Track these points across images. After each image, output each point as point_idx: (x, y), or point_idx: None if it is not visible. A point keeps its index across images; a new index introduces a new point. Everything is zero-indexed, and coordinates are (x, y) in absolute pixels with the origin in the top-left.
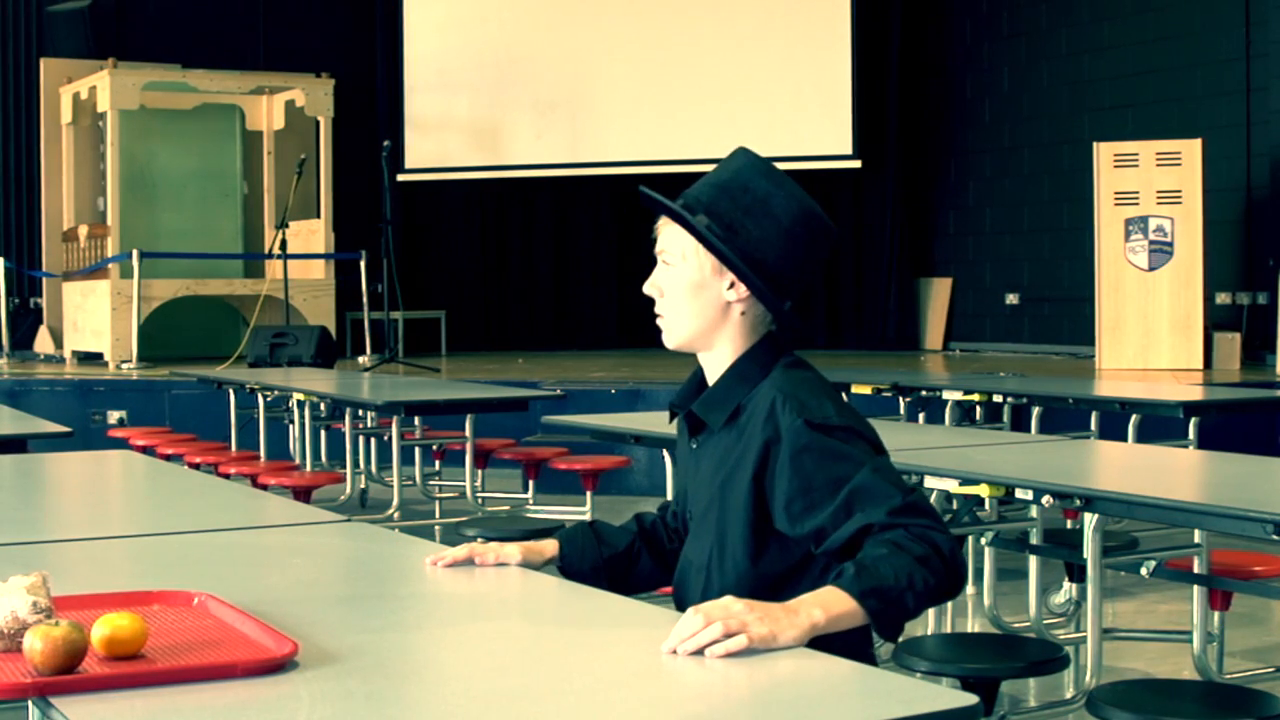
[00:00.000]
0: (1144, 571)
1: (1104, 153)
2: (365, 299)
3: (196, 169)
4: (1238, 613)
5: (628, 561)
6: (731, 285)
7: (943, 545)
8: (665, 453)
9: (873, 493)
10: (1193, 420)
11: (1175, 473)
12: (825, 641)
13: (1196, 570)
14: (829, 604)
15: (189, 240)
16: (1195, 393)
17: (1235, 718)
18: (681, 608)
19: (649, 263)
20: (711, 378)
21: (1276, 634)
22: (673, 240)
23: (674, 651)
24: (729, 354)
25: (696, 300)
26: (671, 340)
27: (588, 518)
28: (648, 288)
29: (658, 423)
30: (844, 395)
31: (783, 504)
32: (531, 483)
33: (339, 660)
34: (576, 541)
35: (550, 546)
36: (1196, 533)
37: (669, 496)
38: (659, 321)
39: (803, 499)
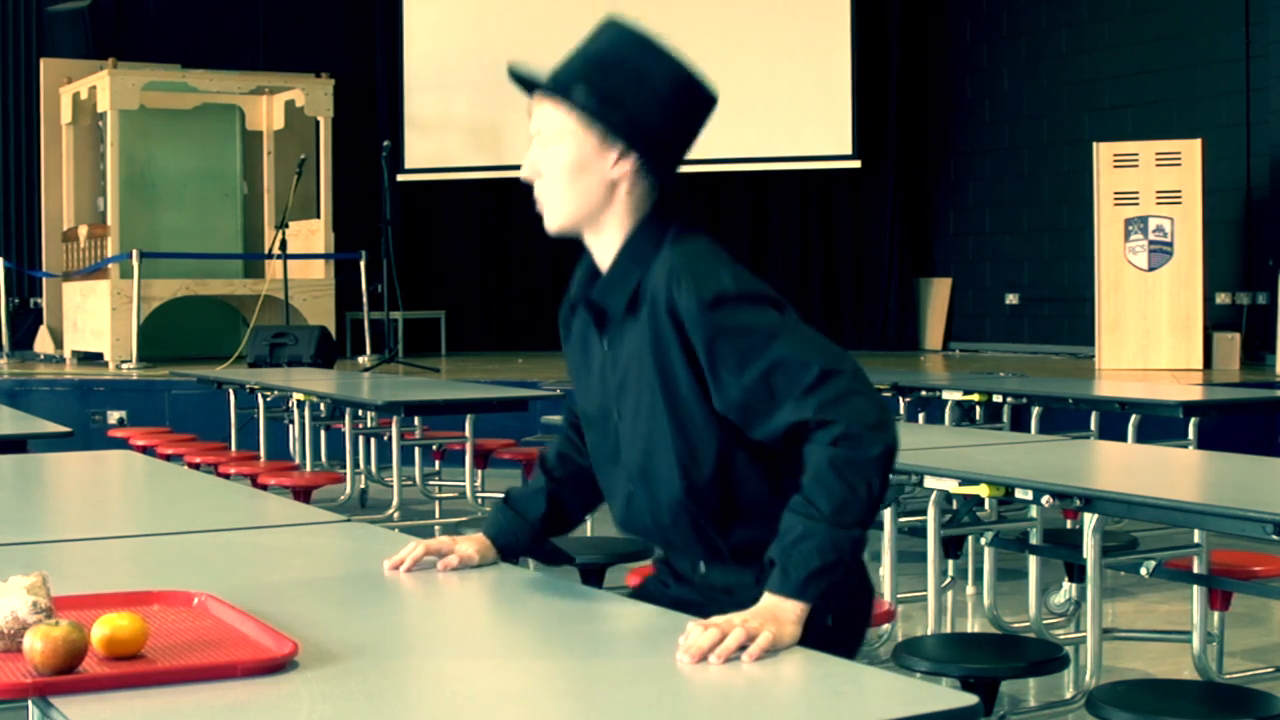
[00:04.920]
0: (1144, 571)
1: (1104, 153)
2: (365, 299)
3: (196, 169)
4: (1237, 613)
5: (557, 515)
6: (615, 163)
7: (867, 426)
8: None
9: (789, 367)
10: (1192, 420)
11: (1175, 473)
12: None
13: (1196, 570)
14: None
15: (189, 240)
16: (1195, 393)
17: (1235, 718)
18: (624, 519)
19: None
20: (603, 262)
21: (1276, 634)
22: (549, 120)
23: (703, 659)
24: (618, 235)
25: (579, 180)
26: (555, 222)
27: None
28: (524, 171)
29: None
30: None
31: (703, 390)
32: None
33: (339, 660)
34: (503, 527)
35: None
36: (1196, 533)
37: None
38: (540, 207)
39: (720, 384)
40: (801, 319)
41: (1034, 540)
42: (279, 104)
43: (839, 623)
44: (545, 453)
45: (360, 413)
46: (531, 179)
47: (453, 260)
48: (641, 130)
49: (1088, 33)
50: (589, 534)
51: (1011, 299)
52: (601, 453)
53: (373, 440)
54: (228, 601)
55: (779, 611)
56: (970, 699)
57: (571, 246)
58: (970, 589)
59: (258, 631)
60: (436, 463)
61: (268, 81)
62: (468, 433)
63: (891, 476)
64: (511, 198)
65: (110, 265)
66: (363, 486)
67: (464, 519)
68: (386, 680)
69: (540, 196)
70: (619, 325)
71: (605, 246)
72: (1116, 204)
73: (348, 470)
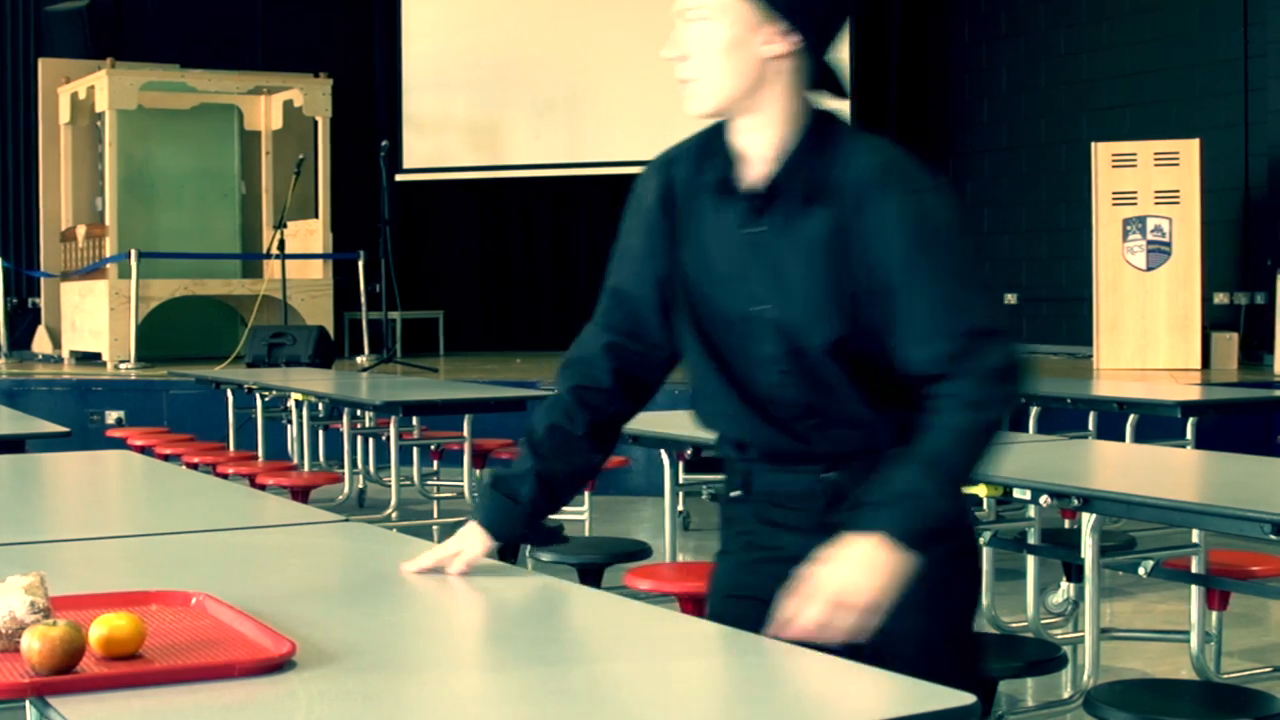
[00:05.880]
0: (1142, 571)
1: (1102, 153)
2: (364, 299)
3: (194, 169)
4: (1235, 612)
5: (548, 494)
6: (771, 41)
7: (1003, 394)
8: (663, 452)
9: (957, 306)
10: (1190, 420)
11: (1173, 472)
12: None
13: (1194, 570)
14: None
15: (187, 240)
16: (1193, 392)
17: (1233, 717)
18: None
19: None
20: (755, 147)
21: (1274, 634)
22: None
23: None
24: (776, 117)
25: (733, 59)
26: (705, 105)
27: (585, 517)
28: (669, 51)
29: (656, 422)
30: None
31: (872, 291)
32: None
33: (337, 660)
34: (496, 515)
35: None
36: (1194, 532)
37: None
38: (685, 87)
39: (894, 291)
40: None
41: (1032, 540)
42: (277, 104)
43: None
44: (531, 429)
45: (359, 413)
46: (677, 59)
47: (451, 260)
48: (804, 6)
49: (1086, 33)
50: (588, 534)
51: (1010, 299)
52: (722, 343)
53: (371, 440)
54: (226, 601)
55: (880, 559)
56: (968, 698)
57: (570, 246)
58: None
59: (255, 631)
60: (435, 463)
61: (266, 81)
62: (466, 433)
63: None
64: (510, 197)
65: (108, 265)
66: (361, 486)
67: (462, 519)
68: (384, 680)
69: (687, 76)
70: (785, 211)
71: (759, 128)
72: (1115, 204)
73: (346, 470)
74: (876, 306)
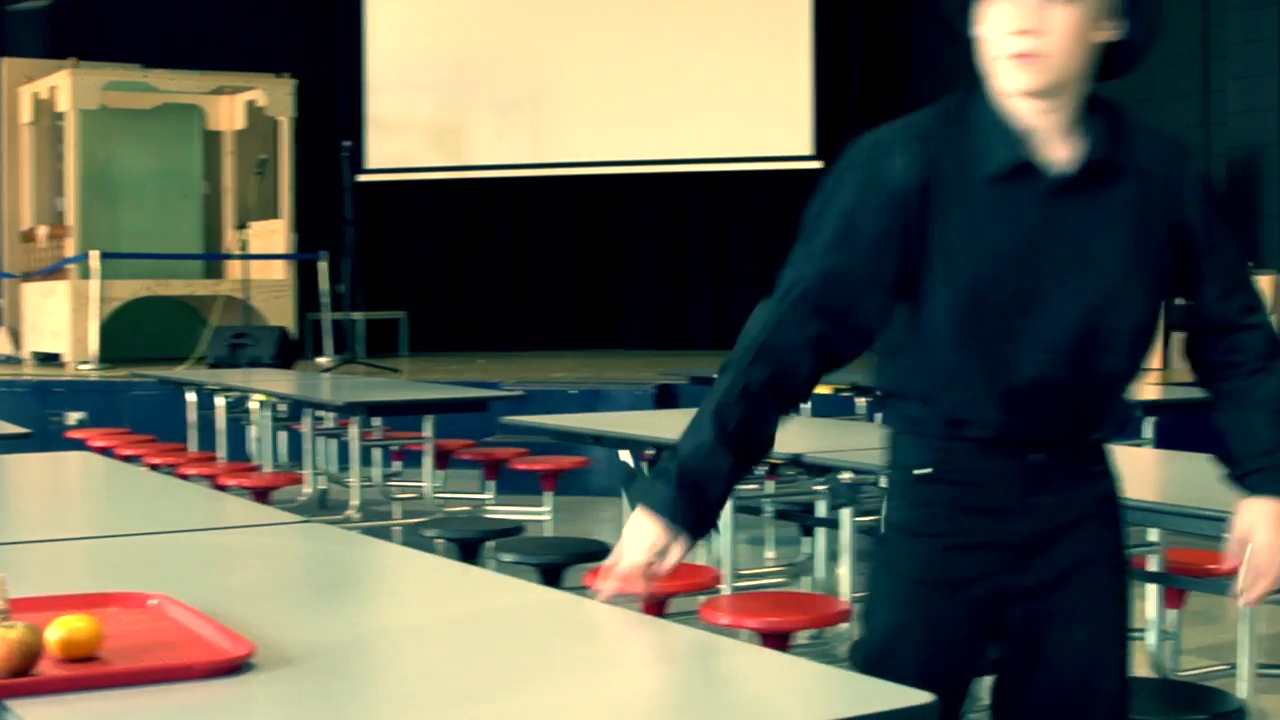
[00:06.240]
0: None
1: None
2: (326, 300)
3: (157, 169)
4: (1193, 610)
5: (730, 492)
6: (1103, 29)
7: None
8: (622, 453)
9: (1240, 276)
10: (1150, 420)
11: (1132, 472)
12: None
13: (1152, 568)
14: None
15: (149, 241)
16: (1153, 392)
17: (1191, 714)
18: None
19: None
20: (1051, 124)
21: (1231, 631)
22: None
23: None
24: (1077, 98)
25: (1080, 42)
26: (1043, 81)
27: (548, 517)
28: (1027, 22)
29: (617, 423)
30: None
31: (1171, 267)
32: (491, 483)
33: (296, 661)
34: (690, 517)
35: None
36: (1153, 531)
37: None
38: (1026, 62)
39: (1212, 248)
40: None
41: None
42: (240, 104)
43: None
44: (721, 418)
45: (320, 413)
46: (1030, 33)
47: (414, 261)
48: (1140, 2)
49: None
50: (552, 533)
51: None
52: (989, 324)
53: (334, 441)
54: (185, 603)
55: None
56: (927, 697)
57: (533, 247)
58: None
59: (214, 633)
60: (397, 463)
61: (229, 81)
62: (427, 433)
63: (851, 475)
64: (473, 198)
65: (70, 266)
66: (323, 487)
67: (423, 519)
68: (343, 681)
69: (1037, 51)
70: (1094, 189)
71: (1058, 111)
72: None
73: (307, 471)
74: (1169, 281)
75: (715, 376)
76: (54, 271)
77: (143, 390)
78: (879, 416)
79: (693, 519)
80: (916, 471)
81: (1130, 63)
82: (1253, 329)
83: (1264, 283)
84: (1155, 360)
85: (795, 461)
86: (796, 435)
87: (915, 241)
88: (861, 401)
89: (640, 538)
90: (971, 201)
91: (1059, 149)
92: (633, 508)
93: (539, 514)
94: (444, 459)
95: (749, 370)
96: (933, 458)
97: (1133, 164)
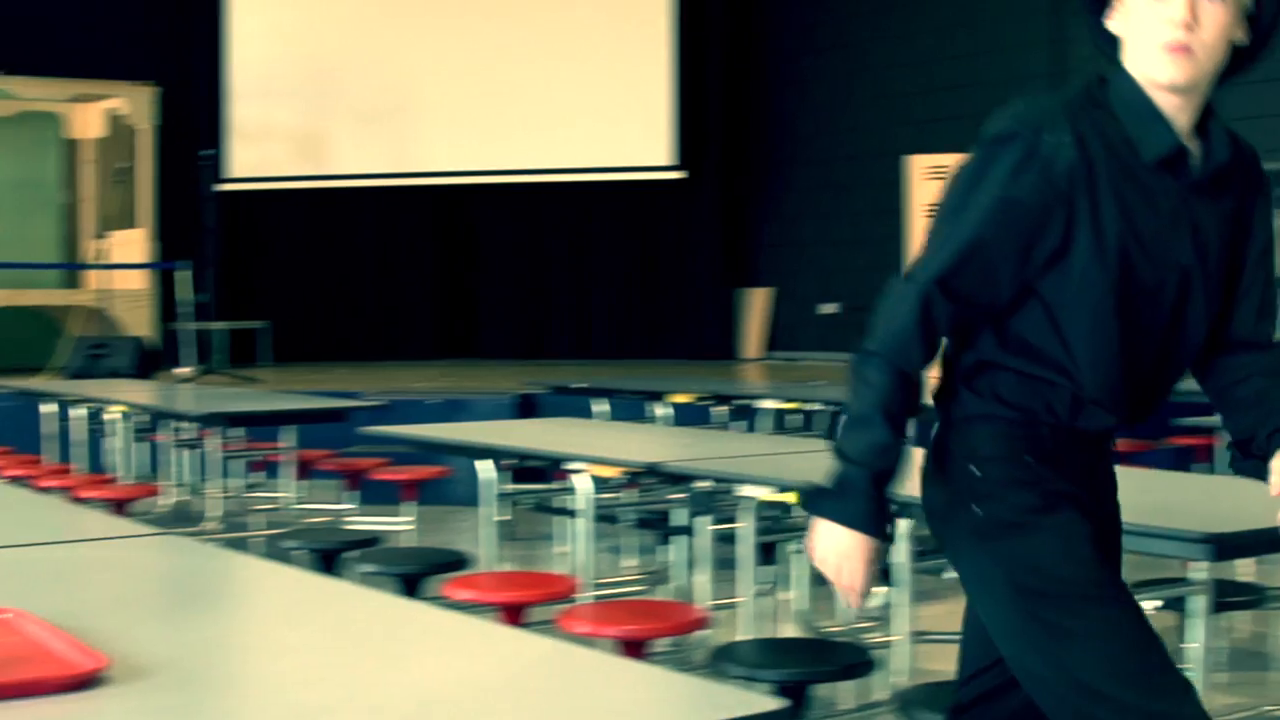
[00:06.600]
0: (946, 575)
1: (915, 165)
2: (187, 309)
3: (14, 178)
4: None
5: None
6: (1238, 31)
7: None
8: (479, 463)
9: (1270, 296)
10: None
11: None
12: None
13: None
14: None
15: (6, 250)
16: None
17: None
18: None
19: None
20: (1184, 121)
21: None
22: None
23: None
24: (1205, 98)
25: (1224, 41)
26: (1192, 75)
27: (411, 527)
28: (1185, 13)
29: (478, 433)
30: (664, 404)
31: (1245, 259)
32: (352, 493)
33: (151, 675)
34: (880, 516)
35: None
36: None
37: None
38: (1180, 55)
39: (1250, 274)
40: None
41: None
42: (100, 112)
43: None
44: (887, 409)
45: (180, 424)
46: (1189, 25)
47: (276, 270)
48: (1274, 10)
49: (901, 47)
50: (414, 543)
51: (830, 308)
52: (1134, 306)
53: (195, 451)
54: (39, 617)
55: None
56: (781, 703)
57: (394, 257)
58: (788, 594)
59: (67, 648)
60: (258, 474)
61: (88, 89)
62: (288, 444)
63: (709, 484)
64: (335, 207)
65: None
66: (182, 499)
67: (284, 530)
68: (199, 694)
69: (1189, 45)
70: (1215, 185)
71: (1190, 110)
72: (928, 216)
73: (167, 482)
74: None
75: (853, 367)
76: None
77: None
78: (740, 425)
79: (881, 519)
80: (1027, 457)
81: (1239, 68)
82: (1271, 349)
83: None
84: None
85: (653, 470)
86: (655, 444)
87: (1070, 218)
88: (719, 410)
89: (850, 558)
90: (1124, 184)
91: (1193, 146)
92: (813, 517)
93: (400, 524)
94: (305, 470)
95: (902, 358)
96: (1041, 434)
97: (1237, 170)
